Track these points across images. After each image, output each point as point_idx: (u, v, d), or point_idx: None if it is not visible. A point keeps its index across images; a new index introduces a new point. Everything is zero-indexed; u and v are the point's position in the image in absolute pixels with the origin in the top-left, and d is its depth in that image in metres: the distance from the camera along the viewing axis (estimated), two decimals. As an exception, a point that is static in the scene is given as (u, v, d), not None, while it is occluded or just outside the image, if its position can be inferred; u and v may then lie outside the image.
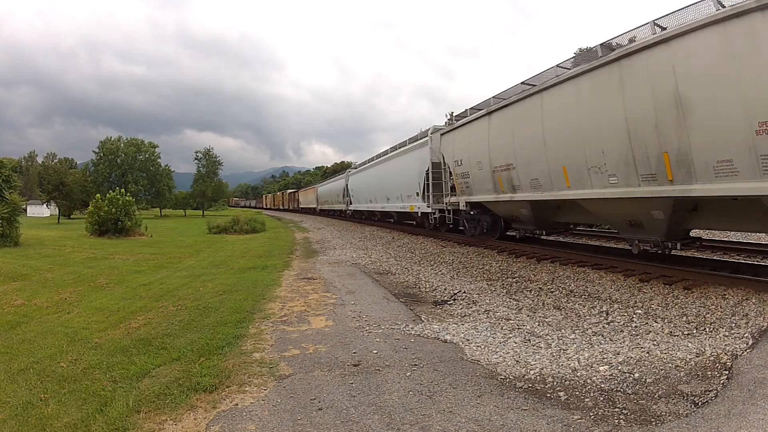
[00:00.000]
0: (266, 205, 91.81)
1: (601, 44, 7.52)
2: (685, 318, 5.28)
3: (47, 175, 57.51)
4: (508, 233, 12.36)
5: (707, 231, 13.01)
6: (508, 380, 3.92)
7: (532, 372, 4.08)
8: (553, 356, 4.47)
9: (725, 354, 4.08)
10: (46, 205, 61.41)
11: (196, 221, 43.49)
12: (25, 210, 44.36)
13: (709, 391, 3.47)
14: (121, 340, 5.36)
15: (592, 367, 4.12)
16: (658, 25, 6.27)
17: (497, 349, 4.71)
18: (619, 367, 4.03)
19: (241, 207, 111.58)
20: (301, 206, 53.55)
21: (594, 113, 7.38)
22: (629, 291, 6.63)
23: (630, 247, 7.83)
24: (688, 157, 5.93)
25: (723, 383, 3.56)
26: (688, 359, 4.08)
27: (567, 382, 3.83)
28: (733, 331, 4.67)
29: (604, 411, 3.29)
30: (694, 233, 8.15)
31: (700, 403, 3.29)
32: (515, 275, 8.60)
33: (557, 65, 8.84)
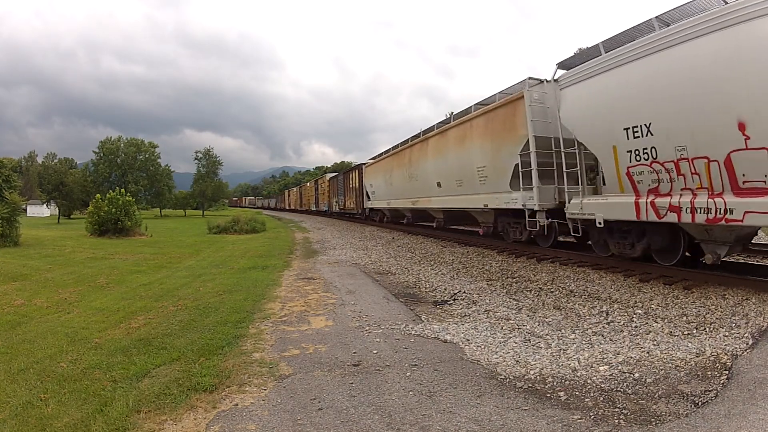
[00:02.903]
0: (290, 206, 61.90)
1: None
2: (685, 318, 5.28)
3: (47, 175, 57.55)
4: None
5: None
6: (508, 380, 3.92)
7: (532, 372, 4.08)
8: (553, 356, 4.47)
9: (725, 354, 4.08)
10: (46, 205, 61.45)
11: (196, 221, 43.50)
12: (25, 210, 44.40)
13: (709, 391, 3.47)
14: (121, 340, 5.37)
15: (592, 367, 4.12)
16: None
17: (497, 349, 4.71)
18: (619, 367, 4.03)
19: (256, 209, 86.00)
20: (370, 206, 23.61)
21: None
22: (629, 291, 6.63)
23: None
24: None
25: (723, 383, 3.56)
26: (688, 359, 4.08)
27: (567, 382, 3.83)
28: (733, 331, 4.67)
29: (604, 411, 3.29)
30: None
31: (700, 403, 3.29)
32: (515, 275, 8.60)
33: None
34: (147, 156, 61.53)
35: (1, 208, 16.85)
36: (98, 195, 23.10)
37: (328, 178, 37.60)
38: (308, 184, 50.31)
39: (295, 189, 62.84)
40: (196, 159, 67.16)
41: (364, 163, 24.70)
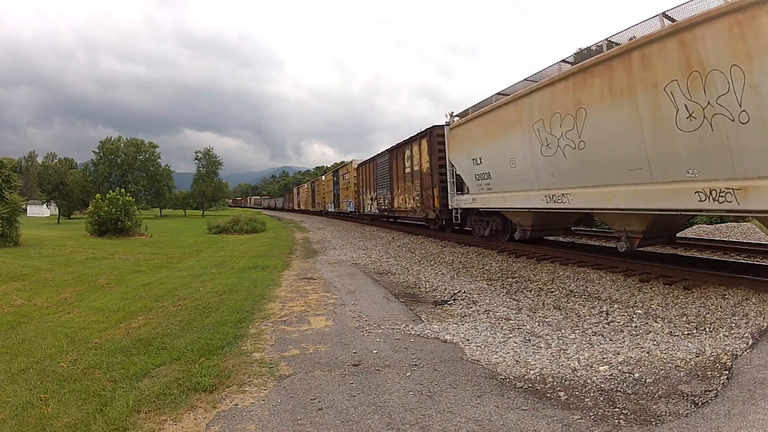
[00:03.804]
0: (299, 206, 52.39)
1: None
2: (685, 318, 5.28)
3: (47, 175, 57.60)
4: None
5: (710, 231, 13.01)
6: (508, 380, 3.92)
7: (532, 372, 4.08)
8: (553, 356, 4.47)
9: (725, 354, 4.08)
10: (46, 205, 61.54)
11: (196, 221, 43.49)
12: (25, 210, 44.43)
13: (709, 391, 3.47)
14: (121, 340, 5.36)
15: (592, 367, 4.12)
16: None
17: (497, 349, 4.71)
18: (619, 367, 4.03)
19: (262, 209, 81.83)
20: (469, 204, 11.97)
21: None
22: (629, 291, 6.63)
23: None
24: None
25: (723, 383, 3.56)
26: (688, 359, 4.08)
27: (567, 382, 3.83)
28: (733, 331, 4.67)
29: (604, 411, 3.28)
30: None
31: (700, 403, 3.29)
32: (515, 275, 8.60)
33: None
34: (147, 156, 61.55)
35: (1, 208, 16.84)
36: (98, 195, 23.10)
37: (356, 166, 25.68)
38: (323, 177, 38.68)
39: (306, 186, 50.36)
40: (196, 159, 67.34)
41: (447, 123, 12.91)
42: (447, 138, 12.76)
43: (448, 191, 12.95)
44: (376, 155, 21.44)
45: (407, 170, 16.50)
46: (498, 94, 10.12)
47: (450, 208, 12.99)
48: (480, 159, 10.98)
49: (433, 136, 14.05)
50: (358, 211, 25.39)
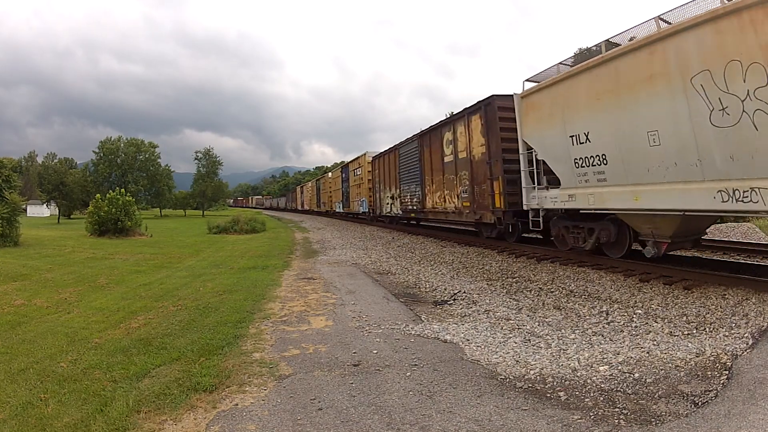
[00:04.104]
0: (302, 206, 50.37)
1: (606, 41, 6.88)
2: (685, 318, 5.28)
3: (47, 175, 57.66)
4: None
5: (710, 231, 13.02)
6: (508, 380, 3.92)
7: (532, 372, 4.08)
8: (553, 356, 4.47)
9: (725, 354, 4.08)
10: (46, 205, 61.59)
11: (196, 221, 43.49)
12: (25, 210, 44.45)
13: (709, 391, 3.47)
14: (121, 340, 5.36)
15: (592, 367, 4.12)
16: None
17: (497, 349, 4.71)
18: (619, 367, 4.03)
19: (264, 209, 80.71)
20: (573, 203, 8.14)
21: None
22: (629, 291, 6.63)
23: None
24: None
25: (723, 383, 3.56)
26: (688, 359, 4.08)
27: (567, 382, 3.83)
28: (733, 331, 4.67)
29: (604, 411, 3.29)
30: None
31: (700, 403, 3.29)
32: (515, 275, 8.60)
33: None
34: (147, 156, 61.61)
35: (1, 208, 16.84)
36: (98, 195, 23.10)
37: (370, 159, 22.10)
38: (330, 174, 35.64)
39: (310, 184, 46.74)
40: (196, 159, 67.47)
41: (522, 92, 9.26)
42: (519, 110, 9.29)
43: (523, 185, 9.41)
44: (399, 143, 17.50)
45: (447, 159, 12.94)
46: (607, 41, 7.16)
47: (525, 208, 9.48)
48: (586, 135, 7.59)
49: (492, 110, 10.46)
50: (374, 211, 21.34)
